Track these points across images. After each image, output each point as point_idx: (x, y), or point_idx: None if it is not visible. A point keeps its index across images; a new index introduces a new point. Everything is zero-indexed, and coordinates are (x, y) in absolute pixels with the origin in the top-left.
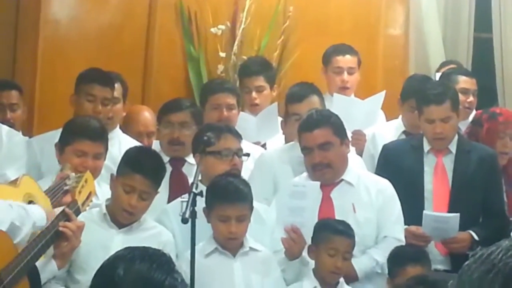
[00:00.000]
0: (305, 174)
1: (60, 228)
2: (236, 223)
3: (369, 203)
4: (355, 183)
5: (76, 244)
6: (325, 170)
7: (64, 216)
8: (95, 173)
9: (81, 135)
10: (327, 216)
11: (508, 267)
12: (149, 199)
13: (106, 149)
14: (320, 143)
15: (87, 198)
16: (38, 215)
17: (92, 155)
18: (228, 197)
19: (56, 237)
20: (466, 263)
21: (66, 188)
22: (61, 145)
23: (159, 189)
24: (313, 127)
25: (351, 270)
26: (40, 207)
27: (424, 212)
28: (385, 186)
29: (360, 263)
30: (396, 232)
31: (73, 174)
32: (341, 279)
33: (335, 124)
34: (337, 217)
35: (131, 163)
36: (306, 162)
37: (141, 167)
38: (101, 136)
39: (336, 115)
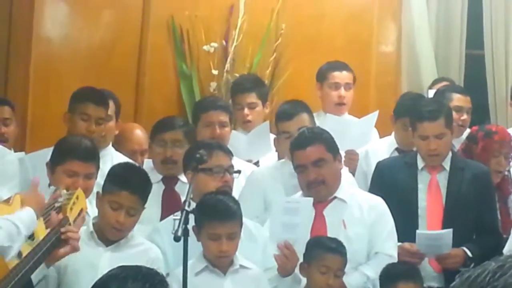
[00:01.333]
0: (298, 194)
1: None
2: (227, 241)
3: (361, 219)
4: (348, 200)
5: (74, 249)
6: (320, 187)
7: (55, 233)
8: (87, 193)
9: (72, 156)
10: (319, 233)
11: None
12: (137, 214)
13: (98, 168)
14: (314, 160)
15: (79, 215)
16: (29, 220)
17: (83, 175)
18: (218, 216)
19: (50, 252)
20: (453, 284)
21: (57, 205)
22: (52, 165)
23: (152, 207)
24: (305, 144)
25: (343, 287)
26: (31, 210)
27: (417, 231)
28: (377, 202)
29: (351, 279)
30: (388, 248)
31: (65, 191)
32: None
33: (327, 140)
34: (328, 234)
35: (117, 180)
36: (300, 180)
37: (127, 183)
38: (92, 156)
39: (327, 132)
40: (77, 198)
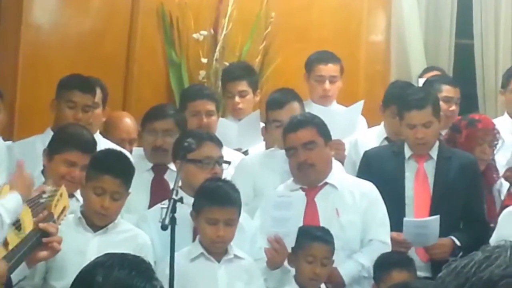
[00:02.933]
0: (289, 181)
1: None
2: (224, 226)
3: (353, 206)
4: (339, 186)
5: (55, 254)
6: (309, 170)
7: (36, 234)
8: (80, 183)
9: (73, 146)
10: (311, 220)
11: (481, 281)
12: (121, 199)
13: None
14: (305, 142)
15: (62, 212)
16: (14, 206)
17: (80, 166)
18: (218, 200)
19: (33, 249)
20: (440, 274)
21: (42, 201)
22: (50, 152)
23: (141, 195)
24: (297, 127)
25: (337, 276)
26: (17, 195)
27: (405, 219)
28: (369, 188)
29: (345, 268)
30: (382, 235)
31: (49, 188)
32: (322, 286)
33: (319, 125)
34: (321, 221)
35: (99, 165)
36: (290, 163)
37: (109, 167)
38: (92, 149)
39: (320, 117)
40: (61, 195)
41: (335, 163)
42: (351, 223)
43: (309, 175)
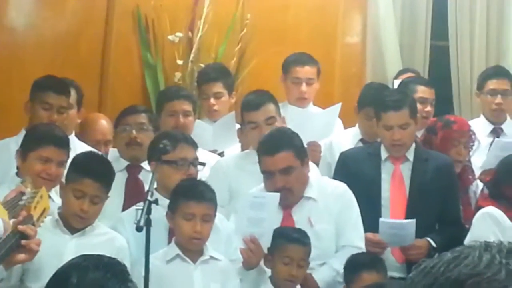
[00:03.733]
0: (262, 185)
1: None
2: (201, 222)
3: (326, 212)
4: (316, 196)
5: (33, 257)
6: (287, 194)
7: (17, 233)
8: (57, 181)
9: (46, 142)
10: None
11: (449, 281)
12: (101, 202)
13: (68, 157)
14: (282, 168)
15: (42, 214)
16: None
17: (56, 162)
18: (195, 195)
19: (11, 251)
20: (410, 275)
21: (21, 203)
22: (24, 151)
23: (114, 197)
24: (274, 150)
25: (312, 282)
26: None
27: (380, 219)
28: (343, 190)
29: (320, 274)
30: (355, 240)
31: (29, 189)
32: (298, 287)
33: (296, 146)
34: None
35: (80, 168)
36: (267, 186)
37: (90, 171)
38: (65, 144)
39: (297, 134)
40: (41, 197)
41: (310, 166)
42: (325, 232)
43: (286, 199)
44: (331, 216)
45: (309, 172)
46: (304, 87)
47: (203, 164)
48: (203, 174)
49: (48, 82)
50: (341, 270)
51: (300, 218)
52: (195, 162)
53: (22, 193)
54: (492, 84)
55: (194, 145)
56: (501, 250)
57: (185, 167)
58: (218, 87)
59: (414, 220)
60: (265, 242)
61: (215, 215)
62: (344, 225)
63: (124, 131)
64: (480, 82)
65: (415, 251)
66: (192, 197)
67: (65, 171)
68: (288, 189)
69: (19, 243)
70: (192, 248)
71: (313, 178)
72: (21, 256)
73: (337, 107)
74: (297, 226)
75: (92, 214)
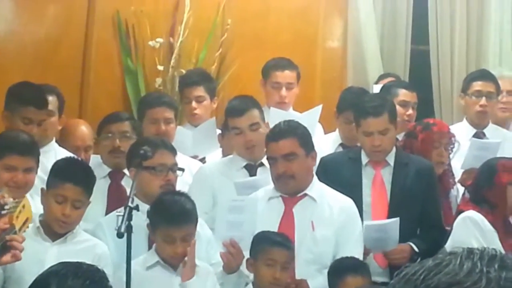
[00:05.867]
0: (269, 187)
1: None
2: (182, 243)
3: (330, 220)
4: (318, 198)
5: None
6: (288, 181)
7: (0, 240)
8: (26, 187)
9: (10, 150)
10: (286, 230)
11: None
12: (83, 207)
13: (38, 162)
14: (285, 153)
15: (24, 223)
16: None
17: (22, 170)
18: (174, 220)
19: None
20: (392, 281)
21: (3, 212)
22: None
23: (97, 203)
24: (278, 137)
25: (295, 281)
26: None
27: (365, 223)
28: (349, 204)
29: (316, 283)
30: (355, 253)
31: (11, 199)
32: None
33: (301, 135)
34: (296, 233)
35: (60, 173)
36: (271, 172)
37: (71, 175)
38: (31, 150)
39: (305, 127)
40: (23, 207)
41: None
42: (325, 238)
43: (288, 186)
44: (333, 225)
45: (314, 166)
46: (284, 91)
47: (182, 169)
48: (183, 180)
49: (27, 95)
50: None
51: (301, 218)
52: (174, 168)
53: (5, 203)
54: (477, 86)
55: (173, 151)
56: (483, 257)
57: (163, 173)
58: (200, 91)
59: (397, 219)
60: (245, 246)
61: (196, 228)
62: (347, 237)
63: (107, 139)
64: (465, 84)
65: (398, 256)
66: (171, 222)
67: (44, 176)
68: (290, 175)
69: (4, 247)
70: (175, 263)
71: (319, 182)
72: (4, 258)
73: (318, 109)
74: (297, 226)
75: (74, 219)
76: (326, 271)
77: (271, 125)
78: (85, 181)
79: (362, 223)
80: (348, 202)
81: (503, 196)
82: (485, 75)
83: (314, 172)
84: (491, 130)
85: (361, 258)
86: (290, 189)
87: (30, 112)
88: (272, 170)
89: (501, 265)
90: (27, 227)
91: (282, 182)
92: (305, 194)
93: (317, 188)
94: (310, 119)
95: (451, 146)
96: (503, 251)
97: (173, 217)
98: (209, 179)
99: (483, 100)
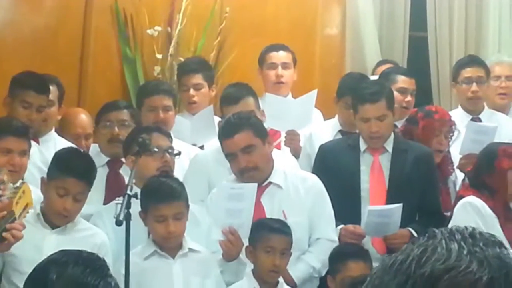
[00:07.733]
0: (233, 176)
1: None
2: (174, 221)
3: (299, 205)
4: (283, 184)
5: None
6: (252, 173)
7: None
8: (21, 171)
9: (4, 133)
10: None
11: (424, 277)
12: (83, 199)
13: (29, 146)
14: (243, 147)
15: (24, 209)
16: None
17: (18, 152)
18: (163, 197)
19: None
20: (374, 271)
21: (3, 198)
22: None
23: (96, 191)
24: (233, 132)
25: (289, 279)
26: None
27: (368, 208)
28: (314, 182)
29: (297, 270)
30: (329, 232)
31: (11, 185)
32: (281, 279)
33: (254, 125)
34: None
35: (64, 166)
36: (232, 168)
37: (74, 170)
38: (24, 133)
39: (254, 116)
40: (23, 192)
41: (289, 159)
42: (298, 225)
43: (254, 178)
44: (303, 209)
45: (271, 152)
46: (280, 70)
47: (179, 153)
48: (181, 165)
49: (28, 80)
50: (317, 266)
51: (271, 208)
52: (170, 150)
53: (4, 189)
54: (466, 73)
55: (168, 135)
56: (465, 237)
57: (160, 155)
58: (198, 79)
59: (401, 205)
60: (244, 233)
61: (187, 209)
62: (318, 218)
63: (106, 128)
64: (454, 73)
65: (398, 241)
66: (160, 199)
67: (42, 165)
68: (253, 168)
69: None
70: (169, 246)
71: (279, 166)
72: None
73: (314, 93)
74: (268, 216)
75: (75, 211)
76: (305, 257)
77: (267, 112)
78: (88, 175)
79: (360, 209)
80: (311, 179)
81: (503, 182)
82: (473, 61)
83: (312, 159)
84: (487, 115)
85: (335, 236)
86: (256, 180)
87: (30, 96)
88: (233, 165)
89: (485, 243)
90: (27, 212)
91: (247, 175)
92: (270, 182)
93: (279, 173)
94: (306, 104)
95: (451, 134)
96: (504, 237)
97: (161, 194)
98: (204, 166)
99: (474, 86)
